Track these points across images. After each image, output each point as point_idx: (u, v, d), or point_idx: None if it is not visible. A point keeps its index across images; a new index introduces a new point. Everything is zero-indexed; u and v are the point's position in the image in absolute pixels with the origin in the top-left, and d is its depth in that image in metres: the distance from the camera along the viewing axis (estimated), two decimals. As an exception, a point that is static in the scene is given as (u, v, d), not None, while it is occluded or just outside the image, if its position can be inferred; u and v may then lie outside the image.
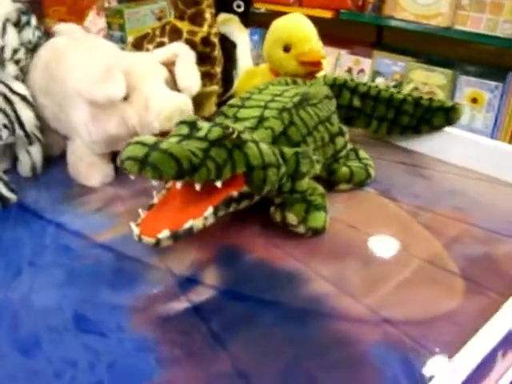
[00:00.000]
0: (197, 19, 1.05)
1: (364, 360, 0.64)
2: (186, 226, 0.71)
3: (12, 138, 0.98)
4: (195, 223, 0.71)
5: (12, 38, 0.96)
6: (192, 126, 0.74)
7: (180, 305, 0.73)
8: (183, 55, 0.96)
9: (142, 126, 0.91)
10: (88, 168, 0.99)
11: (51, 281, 0.78)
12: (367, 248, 0.83)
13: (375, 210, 0.92)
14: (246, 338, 0.67)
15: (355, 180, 0.95)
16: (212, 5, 1.07)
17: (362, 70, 2.39)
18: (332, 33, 2.51)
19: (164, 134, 0.90)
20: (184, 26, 1.06)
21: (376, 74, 2.34)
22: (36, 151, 1.02)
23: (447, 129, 1.08)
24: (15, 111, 0.96)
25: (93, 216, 0.92)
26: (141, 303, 0.73)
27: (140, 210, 0.73)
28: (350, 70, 2.43)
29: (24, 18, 0.98)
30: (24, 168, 1.03)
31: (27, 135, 0.99)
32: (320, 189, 0.86)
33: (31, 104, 0.99)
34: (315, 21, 2.20)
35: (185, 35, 1.06)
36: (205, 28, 1.06)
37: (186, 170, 0.67)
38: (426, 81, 2.21)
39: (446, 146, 1.07)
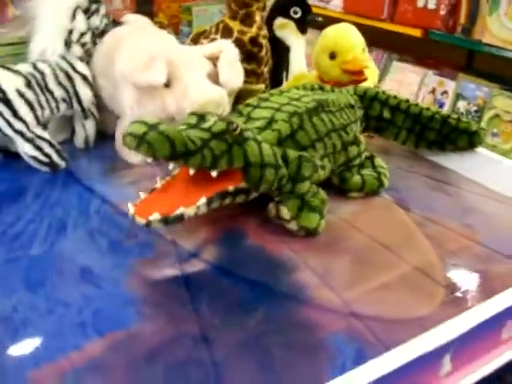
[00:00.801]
0: (247, 20, 1.13)
1: (320, 345, 0.67)
2: (177, 212, 0.75)
3: (70, 111, 1.10)
4: (186, 211, 0.76)
5: (80, 23, 1.08)
6: (201, 117, 0.80)
7: (172, 272, 0.80)
8: (227, 52, 1.03)
9: (179, 114, 0.99)
10: (132, 146, 1.08)
11: (73, 237, 0.89)
12: (362, 248, 0.85)
13: (383, 216, 0.95)
14: (219, 308, 0.73)
15: (367, 189, 0.97)
16: (262, 8, 1.13)
17: (445, 92, 2.36)
18: (422, 52, 2.52)
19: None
20: (235, 26, 1.13)
21: (459, 97, 2.31)
22: (90, 125, 1.13)
23: (481, 149, 1.08)
24: (74, 88, 1.08)
25: (125, 188, 1.00)
26: (140, 266, 0.81)
27: (141, 193, 0.79)
28: (433, 91, 2.41)
29: (94, 6, 1.10)
30: (79, 140, 1.15)
31: (83, 110, 1.10)
32: (322, 194, 0.89)
33: (90, 83, 1.10)
34: (406, 38, 2.21)
35: (235, 34, 1.13)
36: (254, 29, 1.13)
37: (179, 153, 0.72)
38: (509, 109, 2.15)
39: (476, 166, 1.07)
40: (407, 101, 1.09)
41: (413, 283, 0.78)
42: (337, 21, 1.29)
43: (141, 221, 0.74)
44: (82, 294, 0.75)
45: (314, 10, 2.67)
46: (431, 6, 2.21)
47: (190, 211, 0.76)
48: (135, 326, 0.69)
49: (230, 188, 0.80)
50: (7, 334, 0.67)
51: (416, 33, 2.32)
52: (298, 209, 0.86)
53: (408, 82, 2.49)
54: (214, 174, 0.78)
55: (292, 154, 0.86)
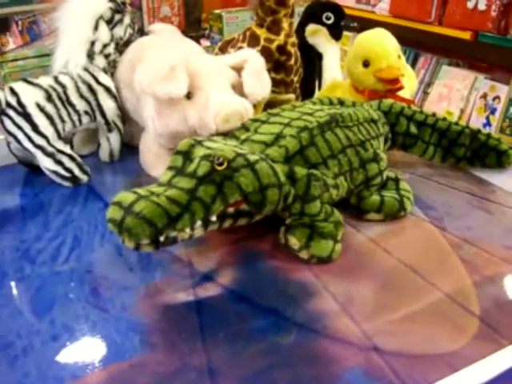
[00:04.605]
0: (274, 27, 1.07)
1: (333, 382, 0.62)
2: (170, 235, 0.70)
3: (93, 124, 1.08)
4: (180, 233, 0.71)
5: (103, 34, 1.05)
6: (186, 156, 0.75)
7: (184, 297, 0.76)
8: (251, 61, 0.98)
9: (201, 126, 0.95)
10: (154, 159, 1.05)
11: (89, 256, 0.86)
12: (390, 273, 0.79)
13: (416, 237, 0.88)
14: (228, 337, 0.68)
15: (385, 210, 0.89)
16: (290, 15, 1.08)
17: (497, 97, 2.24)
18: (473, 55, 2.41)
19: (221, 135, 0.94)
20: (262, 33, 1.08)
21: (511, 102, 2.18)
22: (115, 138, 1.11)
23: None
24: (97, 100, 1.05)
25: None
26: (151, 289, 0.78)
27: None
28: (485, 96, 2.29)
29: (117, 17, 1.08)
30: (103, 153, 1.13)
31: (107, 123, 1.08)
32: (336, 216, 0.83)
33: (114, 95, 1.08)
34: (455, 41, 2.11)
35: (262, 42, 1.08)
36: (281, 37, 1.07)
37: (162, 226, 0.67)
38: None
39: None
40: (434, 115, 1.03)
41: (443, 313, 0.71)
42: (383, 25, 1.23)
43: (129, 244, 0.68)
44: (87, 318, 0.72)
45: (361, 13, 2.63)
46: (481, 7, 2.10)
47: (183, 234, 0.71)
48: (138, 357, 0.65)
49: (230, 210, 0.75)
50: (5, 363, 0.64)
51: (465, 36, 2.21)
52: (307, 237, 0.80)
53: (458, 87, 2.38)
54: (213, 218, 0.73)
55: (300, 171, 0.80)
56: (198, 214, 0.70)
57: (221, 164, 0.72)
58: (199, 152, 0.74)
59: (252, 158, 0.75)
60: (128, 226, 0.66)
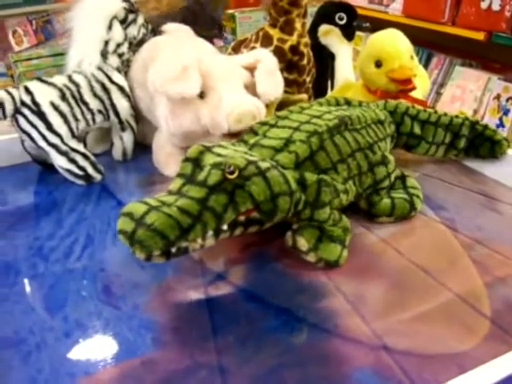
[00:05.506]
0: (287, 28, 1.08)
1: (343, 382, 0.62)
2: (182, 245, 0.69)
3: (107, 123, 1.09)
4: (191, 243, 0.70)
5: (117, 34, 1.06)
6: (195, 163, 0.74)
7: (196, 295, 0.76)
8: (264, 61, 0.99)
9: (213, 126, 0.95)
10: (167, 158, 1.06)
11: (98, 254, 0.86)
12: (401, 273, 0.79)
13: (428, 238, 0.88)
14: (239, 336, 0.68)
15: (397, 213, 0.89)
16: (303, 15, 1.08)
17: (510, 98, 2.23)
18: (486, 56, 2.40)
19: (234, 135, 0.94)
20: (275, 34, 1.09)
21: (525, 103, 2.17)
22: (128, 138, 1.12)
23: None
24: (111, 99, 1.06)
25: (158, 202, 0.98)
26: (162, 287, 0.78)
27: None
28: (498, 97, 2.28)
29: (131, 16, 1.09)
30: (116, 152, 1.14)
31: (121, 122, 1.09)
32: (344, 222, 0.82)
33: (127, 94, 1.08)
34: (468, 42, 2.11)
35: (275, 42, 1.08)
36: (294, 37, 1.08)
37: (174, 238, 0.66)
38: None
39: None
40: (436, 112, 1.03)
41: (453, 314, 0.71)
42: (396, 25, 1.23)
43: (140, 255, 0.67)
44: (100, 315, 0.72)
45: (373, 14, 2.63)
46: (495, 7, 2.09)
47: (194, 244, 0.70)
48: (149, 354, 0.66)
49: (241, 218, 0.74)
50: (18, 358, 0.65)
51: (479, 36, 2.20)
52: (316, 239, 0.79)
53: (471, 88, 2.37)
54: (224, 227, 0.72)
55: (310, 177, 0.79)
56: (210, 224, 0.69)
57: (232, 172, 0.71)
58: (209, 159, 0.73)
59: (263, 165, 0.74)
60: (140, 238, 0.65)
